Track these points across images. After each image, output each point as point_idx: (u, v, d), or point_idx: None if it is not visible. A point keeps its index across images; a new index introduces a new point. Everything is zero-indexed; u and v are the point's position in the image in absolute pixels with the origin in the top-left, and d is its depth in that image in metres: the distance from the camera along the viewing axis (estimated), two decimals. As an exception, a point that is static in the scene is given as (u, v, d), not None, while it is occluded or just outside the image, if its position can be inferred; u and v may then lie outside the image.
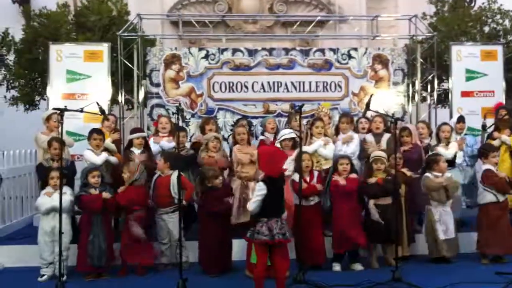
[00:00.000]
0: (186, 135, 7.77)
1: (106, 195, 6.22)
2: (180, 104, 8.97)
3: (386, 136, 7.68)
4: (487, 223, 6.72)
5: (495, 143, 7.48)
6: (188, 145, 7.73)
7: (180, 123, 7.29)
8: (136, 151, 7.19)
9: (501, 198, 6.70)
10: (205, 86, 9.48)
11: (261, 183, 5.24)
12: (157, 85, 9.41)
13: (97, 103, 6.38)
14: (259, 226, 5.23)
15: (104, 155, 7.00)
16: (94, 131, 7.16)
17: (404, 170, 6.89)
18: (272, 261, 5.36)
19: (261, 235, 5.20)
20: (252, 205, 5.26)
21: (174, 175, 6.47)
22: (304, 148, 6.98)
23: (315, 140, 7.46)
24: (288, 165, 6.17)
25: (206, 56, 9.53)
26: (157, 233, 6.67)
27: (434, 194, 6.69)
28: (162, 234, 6.58)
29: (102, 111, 6.49)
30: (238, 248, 6.57)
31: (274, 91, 9.65)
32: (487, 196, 6.73)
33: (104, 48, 9.10)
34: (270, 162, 5.28)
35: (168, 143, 7.47)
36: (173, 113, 8.91)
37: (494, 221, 6.67)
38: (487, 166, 6.77)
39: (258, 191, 5.23)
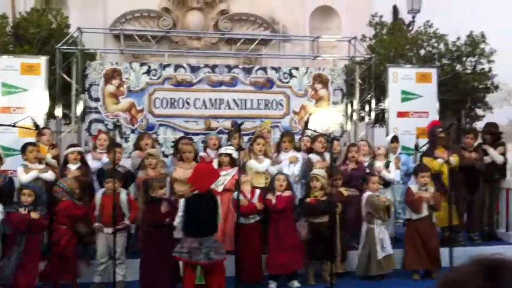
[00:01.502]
0: (122, 152, 7.61)
1: (34, 215, 6.00)
2: (118, 120, 8.82)
3: (328, 155, 7.83)
4: (408, 239, 6.95)
5: (439, 161, 7.63)
6: (124, 161, 7.59)
7: (119, 139, 7.20)
8: (72, 166, 7.03)
9: (420, 216, 6.87)
10: (146, 102, 9.39)
11: (183, 200, 5.25)
12: (96, 99, 9.25)
13: (31, 118, 6.21)
14: (183, 244, 5.22)
15: (33, 174, 6.76)
16: (28, 144, 6.96)
17: (342, 189, 7.02)
18: (206, 280, 5.35)
19: (183, 254, 5.19)
20: (176, 220, 5.26)
21: (122, 193, 6.37)
22: (255, 166, 7.07)
23: (256, 158, 7.51)
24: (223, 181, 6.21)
25: (148, 72, 9.46)
26: (96, 251, 6.50)
27: (379, 212, 6.82)
28: (102, 252, 6.42)
29: (36, 125, 6.34)
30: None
31: (216, 108, 9.65)
32: (408, 213, 6.98)
33: (41, 61, 8.88)
34: (198, 178, 5.31)
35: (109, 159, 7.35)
36: (109, 129, 8.72)
37: (414, 237, 6.88)
38: (413, 185, 7.01)
39: (180, 207, 5.25)
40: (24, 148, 6.95)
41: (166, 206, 6.17)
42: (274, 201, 6.48)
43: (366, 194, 6.94)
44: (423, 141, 8.44)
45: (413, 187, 7.04)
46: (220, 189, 6.65)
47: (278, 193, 6.57)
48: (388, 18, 13.75)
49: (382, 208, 6.81)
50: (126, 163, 7.72)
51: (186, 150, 7.27)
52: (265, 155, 7.61)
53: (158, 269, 6.06)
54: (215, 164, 7.17)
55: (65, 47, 9.38)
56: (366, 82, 10.52)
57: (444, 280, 1.26)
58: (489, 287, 1.16)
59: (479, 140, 8.39)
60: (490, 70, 11.81)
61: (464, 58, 11.76)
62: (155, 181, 6.38)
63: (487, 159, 8.02)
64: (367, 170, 7.58)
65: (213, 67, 9.82)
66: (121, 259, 6.32)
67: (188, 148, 7.33)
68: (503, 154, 8.27)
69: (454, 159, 7.51)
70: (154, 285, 6.09)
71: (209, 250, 5.29)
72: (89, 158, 7.40)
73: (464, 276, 1.22)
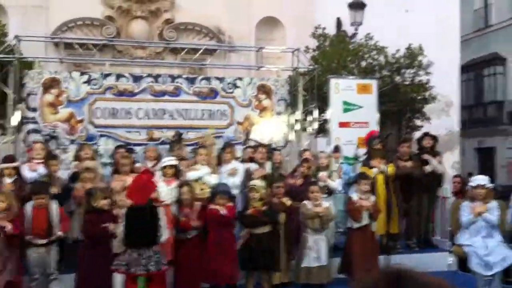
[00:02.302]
0: (58, 163, 7.40)
1: None
2: (54, 130, 8.58)
3: (268, 165, 7.89)
4: (348, 247, 7.06)
5: (374, 171, 7.80)
6: (61, 173, 7.38)
7: (57, 150, 7.03)
8: (7, 180, 6.81)
9: (360, 224, 7.00)
10: (86, 112, 9.20)
11: (123, 210, 5.18)
12: (34, 109, 9.00)
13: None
14: (122, 256, 5.15)
15: None
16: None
17: (285, 199, 7.06)
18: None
19: (122, 266, 5.11)
20: (117, 230, 5.18)
21: (53, 205, 6.19)
22: (188, 175, 7.01)
23: (198, 167, 7.48)
24: (166, 194, 6.14)
25: (88, 81, 9.28)
26: (28, 266, 6.28)
27: (308, 222, 6.88)
28: (34, 267, 6.21)
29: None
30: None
31: (159, 118, 9.56)
32: (349, 222, 7.09)
33: (-23, 70, 8.59)
34: (136, 191, 5.25)
35: (45, 170, 7.14)
36: (45, 140, 8.47)
37: (354, 245, 7.00)
38: (354, 194, 7.13)
39: (121, 218, 5.18)
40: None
41: (111, 225, 6.00)
42: (223, 211, 6.40)
43: (305, 202, 7.01)
44: (363, 150, 8.62)
45: (354, 196, 7.15)
46: (168, 200, 6.55)
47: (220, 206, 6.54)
48: (331, 30, 14.01)
49: (311, 218, 6.81)
50: (64, 174, 7.52)
51: (124, 164, 7.15)
52: (208, 165, 7.59)
53: (96, 283, 5.92)
54: (158, 176, 7.09)
55: (1, 55, 9.09)
56: (309, 93, 10.66)
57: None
58: None
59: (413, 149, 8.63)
60: (427, 81, 12.22)
61: (403, 70, 12.13)
62: (99, 190, 6.24)
63: (427, 168, 8.22)
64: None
65: (156, 77, 9.74)
66: (55, 274, 6.14)
67: (125, 161, 7.21)
68: (439, 163, 8.53)
69: (389, 169, 7.70)
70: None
71: (149, 261, 5.22)
72: (25, 169, 7.17)
73: (369, 285, 1.25)
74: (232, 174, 7.67)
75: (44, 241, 6.05)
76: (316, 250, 6.83)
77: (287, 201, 7.09)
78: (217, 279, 6.42)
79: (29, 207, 6.26)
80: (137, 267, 5.14)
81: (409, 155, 8.19)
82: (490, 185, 6.85)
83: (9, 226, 5.82)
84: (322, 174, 7.90)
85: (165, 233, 5.96)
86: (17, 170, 6.97)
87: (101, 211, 6.06)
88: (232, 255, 6.47)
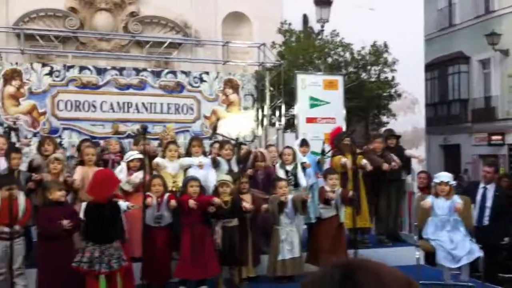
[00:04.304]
0: (21, 157, 7.15)
1: None
2: (14, 122, 8.33)
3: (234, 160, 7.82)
4: (313, 237, 7.09)
5: (342, 161, 7.74)
6: (24, 166, 7.15)
7: (17, 143, 6.82)
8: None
9: (329, 215, 7.04)
10: (48, 104, 8.97)
11: (83, 205, 5.04)
12: (-6, 101, 8.73)
13: None
14: (83, 253, 5.01)
15: None
16: None
17: (254, 191, 7.04)
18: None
19: (83, 264, 4.98)
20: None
21: (20, 196, 5.99)
22: (181, 160, 6.98)
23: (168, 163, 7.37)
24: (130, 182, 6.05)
25: (50, 73, 9.05)
26: None
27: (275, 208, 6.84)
28: (0, 262, 5.97)
29: None
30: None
31: (124, 111, 9.41)
32: (318, 212, 7.12)
33: None
34: (97, 187, 5.11)
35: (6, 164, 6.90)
36: (5, 132, 8.20)
37: (319, 235, 7.03)
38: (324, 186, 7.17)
39: (81, 212, 5.05)
40: None
41: (67, 222, 5.72)
42: (193, 205, 6.29)
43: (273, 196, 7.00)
44: (329, 146, 8.64)
45: (326, 187, 7.16)
46: (127, 188, 6.44)
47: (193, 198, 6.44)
48: (298, 27, 14.05)
49: (276, 203, 6.82)
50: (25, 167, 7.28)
51: (89, 153, 6.99)
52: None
53: (58, 279, 5.73)
54: (123, 169, 6.97)
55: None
56: (276, 88, 10.65)
57: (304, 282, 1.27)
58: None
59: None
60: (393, 79, 12.37)
61: (368, 67, 12.24)
62: (53, 182, 6.05)
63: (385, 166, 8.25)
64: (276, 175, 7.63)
65: (121, 70, 9.58)
66: (21, 269, 5.93)
67: (91, 151, 7.06)
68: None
69: (358, 158, 7.72)
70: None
71: (111, 258, 5.09)
72: None
73: (322, 278, 1.22)
74: (200, 167, 7.58)
75: (7, 229, 5.78)
76: (290, 242, 6.85)
77: (259, 193, 7.09)
78: (191, 273, 6.34)
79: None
80: (100, 264, 5.01)
81: (381, 151, 8.26)
82: (453, 182, 6.97)
83: None
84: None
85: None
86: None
87: (57, 203, 5.85)
88: (209, 249, 6.39)
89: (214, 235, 6.55)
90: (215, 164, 7.49)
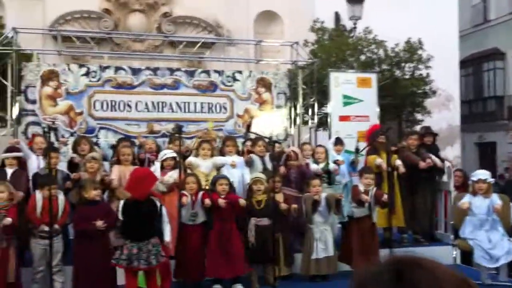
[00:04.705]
0: (58, 156, 7.31)
1: None
2: (53, 122, 8.48)
3: (267, 158, 7.83)
4: (346, 236, 7.04)
5: (377, 161, 7.70)
6: (62, 165, 7.31)
7: (56, 143, 6.97)
8: (8, 170, 6.74)
9: (361, 214, 6.98)
10: (85, 104, 9.12)
11: (121, 203, 5.12)
12: (33, 102, 8.91)
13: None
14: (122, 250, 5.09)
15: None
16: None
17: (286, 190, 7.04)
18: (148, 285, 5.24)
19: (122, 261, 5.06)
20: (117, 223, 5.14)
21: (60, 196, 6.14)
22: (214, 159, 7.10)
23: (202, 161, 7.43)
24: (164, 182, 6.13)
25: (87, 74, 9.20)
26: (31, 258, 6.20)
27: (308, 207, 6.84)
28: (39, 259, 6.12)
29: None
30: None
31: (158, 111, 9.50)
32: (350, 211, 7.08)
33: (-26, 62, 8.50)
34: (135, 184, 5.19)
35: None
36: (44, 132, 8.38)
37: (351, 234, 6.99)
38: (359, 184, 7.11)
39: (118, 211, 5.13)
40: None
41: (102, 223, 5.80)
42: (222, 204, 6.34)
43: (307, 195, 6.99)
44: (364, 144, 8.57)
45: (360, 186, 7.12)
46: (161, 188, 6.53)
47: (222, 196, 6.49)
48: (330, 24, 13.98)
49: (310, 202, 6.80)
50: (63, 166, 7.44)
51: (125, 153, 7.10)
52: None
53: (93, 277, 5.84)
54: (157, 168, 7.06)
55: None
56: (308, 86, 10.62)
57: (355, 279, 1.24)
58: (399, 285, 1.14)
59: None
60: (427, 75, 12.20)
61: (402, 64, 12.10)
62: (89, 181, 6.17)
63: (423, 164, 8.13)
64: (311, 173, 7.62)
65: (155, 70, 9.67)
66: (59, 266, 6.07)
67: (127, 150, 7.16)
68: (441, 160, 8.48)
69: (392, 158, 7.62)
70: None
71: (149, 255, 5.17)
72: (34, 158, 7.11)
73: (374, 275, 1.20)
74: (233, 166, 7.61)
75: (48, 228, 5.93)
76: (324, 241, 6.84)
77: (290, 192, 7.09)
78: (221, 272, 6.38)
79: (38, 195, 6.16)
80: (139, 261, 5.09)
81: (416, 148, 8.15)
82: (491, 180, 6.85)
83: (9, 219, 5.74)
84: (316, 168, 7.81)
85: (168, 231, 5.85)
86: (18, 160, 6.89)
87: (93, 202, 5.97)
88: (236, 247, 6.42)
89: (247, 233, 6.58)
90: (249, 163, 7.51)
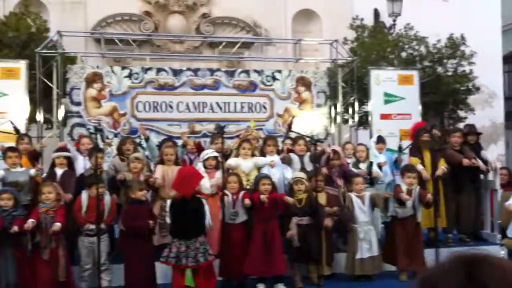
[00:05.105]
0: (103, 157, 7.46)
1: (14, 229, 5.80)
2: (99, 124, 8.65)
3: (307, 157, 7.81)
4: (390, 236, 6.95)
5: (419, 167, 7.57)
6: (105, 166, 7.42)
7: (101, 144, 7.12)
8: (58, 170, 6.92)
9: (405, 214, 6.87)
10: (128, 106, 9.28)
11: (168, 202, 5.21)
12: (78, 104, 9.12)
13: (11, 122, 6.10)
14: (170, 248, 5.18)
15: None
16: (8, 148, 6.83)
17: (329, 189, 7.02)
18: (195, 283, 5.30)
19: (171, 259, 5.14)
20: (167, 220, 5.22)
21: (106, 196, 6.30)
22: (255, 159, 7.15)
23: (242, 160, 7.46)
24: (210, 185, 6.18)
25: (130, 75, 9.36)
26: (79, 256, 6.36)
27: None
28: (86, 258, 6.28)
29: (16, 130, 6.22)
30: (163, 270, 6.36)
31: (199, 111, 9.59)
32: (394, 211, 6.98)
33: (21, 65, 8.73)
34: (182, 182, 5.27)
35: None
36: (90, 133, 8.55)
37: (395, 234, 6.89)
38: (402, 183, 7.02)
39: (166, 209, 5.21)
40: (4, 154, 6.82)
41: (152, 222, 6.02)
42: (264, 199, 6.36)
43: (350, 194, 6.95)
44: (406, 142, 8.46)
45: (402, 185, 7.04)
46: (209, 191, 6.60)
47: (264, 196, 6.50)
48: (369, 21, 13.82)
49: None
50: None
51: (168, 153, 7.20)
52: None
53: (139, 274, 5.96)
54: (200, 168, 7.13)
55: (44, 50, 9.24)
56: (348, 85, 10.53)
57: (423, 278, 1.23)
58: (469, 284, 1.13)
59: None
60: (470, 72, 11.94)
61: (445, 60, 11.87)
62: (135, 182, 6.31)
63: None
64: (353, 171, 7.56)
65: (196, 71, 9.76)
66: (106, 265, 6.21)
67: (170, 150, 7.26)
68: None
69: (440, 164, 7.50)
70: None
71: (197, 252, 5.23)
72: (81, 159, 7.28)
73: (444, 273, 1.18)
74: (271, 166, 7.62)
75: (94, 226, 6.09)
76: (368, 241, 6.79)
77: (331, 191, 7.08)
78: (262, 270, 6.40)
79: (84, 195, 6.31)
80: (187, 258, 5.16)
81: (459, 145, 7.99)
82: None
83: (58, 225, 5.88)
84: (362, 167, 7.76)
85: (210, 221, 5.93)
86: (68, 160, 7.06)
87: (139, 201, 6.13)
88: (278, 246, 6.44)
89: (289, 232, 6.58)
90: (287, 162, 7.50)
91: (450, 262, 1.20)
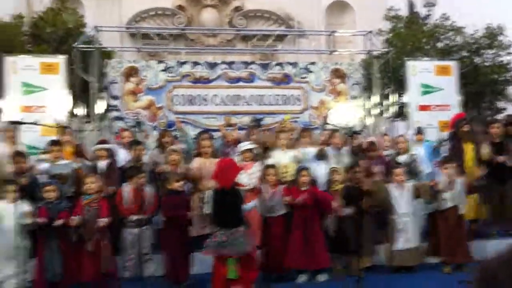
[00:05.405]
0: (142, 149, 7.56)
1: (58, 222, 5.94)
2: (138, 117, 8.77)
3: (345, 149, 7.75)
4: (433, 230, 6.86)
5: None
6: (145, 158, 7.51)
7: (140, 137, 7.20)
8: (100, 163, 7.03)
9: (445, 206, 6.77)
10: (165, 99, 9.37)
11: (209, 193, 5.24)
12: (115, 97, 9.24)
13: (54, 117, 6.21)
14: (212, 238, 5.22)
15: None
16: (51, 142, 6.96)
17: (367, 180, 6.95)
18: (238, 274, 5.31)
19: (211, 248, 5.18)
20: (205, 211, 5.26)
21: (147, 188, 6.38)
22: (295, 152, 7.09)
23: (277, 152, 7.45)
24: (250, 178, 6.18)
25: (166, 69, 9.44)
26: (122, 246, 6.45)
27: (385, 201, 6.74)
28: (129, 247, 6.38)
29: (57, 123, 6.33)
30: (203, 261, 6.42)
31: (234, 104, 9.62)
32: (436, 204, 6.87)
33: (60, 60, 8.88)
34: (221, 173, 5.30)
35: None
36: (131, 126, 8.68)
37: (438, 227, 6.78)
38: (440, 179, 6.91)
39: (207, 199, 5.25)
40: (48, 145, 6.96)
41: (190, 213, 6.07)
42: (301, 197, 6.35)
43: (390, 185, 6.88)
44: (446, 134, 8.33)
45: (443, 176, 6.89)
46: (251, 184, 6.61)
47: (303, 188, 6.49)
48: (403, 12, 13.64)
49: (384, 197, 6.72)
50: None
51: (205, 145, 7.23)
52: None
53: (177, 264, 6.04)
54: (237, 160, 7.14)
55: (82, 45, 9.38)
56: (384, 76, 10.42)
57: (483, 269, 1.22)
58: None
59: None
60: (509, 62, 11.70)
61: (482, 51, 11.65)
62: (172, 173, 6.37)
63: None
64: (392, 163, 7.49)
65: (230, 64, 9.79)
66: (148, 255, 6.29)
67: (207, 143, 7.29)
68: None
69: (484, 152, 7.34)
70: (176, 279, 6.07)
71: (238, 242, 5.25)
72: (122, 152, 7.39)
73: (503, 264, 1.17)
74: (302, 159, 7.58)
75: (137, 217, 6.18)
76: (407, 232, 6.71)
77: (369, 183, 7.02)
78: (300, 263, 6.39)
79: (127, 187, 6.40)
80: (229, 248, 5.18)
81: (499, 136, 7.81)
82: None
83: (105, 220, 5.98)
84: (403, 159, 7.67)
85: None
86: (109, 153, 7.16)
87: (176, 193, 6.19)
88: (319, 239, 6.42)
89: (327, 224, 6.56)
90: (322, 156, 7.46)
91: (509, 252, 1.19)
